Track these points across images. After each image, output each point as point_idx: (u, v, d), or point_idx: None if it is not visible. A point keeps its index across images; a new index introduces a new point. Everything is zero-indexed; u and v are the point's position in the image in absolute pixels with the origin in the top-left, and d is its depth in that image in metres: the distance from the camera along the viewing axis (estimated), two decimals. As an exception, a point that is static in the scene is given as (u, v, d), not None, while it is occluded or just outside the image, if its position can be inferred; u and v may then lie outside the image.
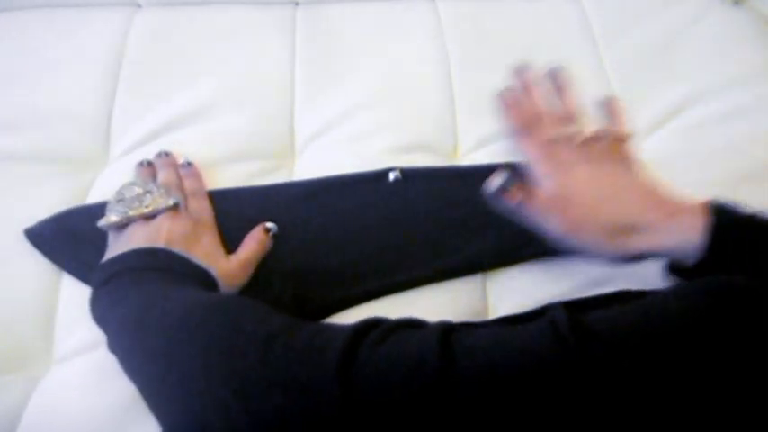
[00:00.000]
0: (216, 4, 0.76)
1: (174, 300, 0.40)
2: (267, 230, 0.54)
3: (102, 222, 0.52)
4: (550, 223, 0.45)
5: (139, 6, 0.76)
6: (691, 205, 0.42)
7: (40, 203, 0.58)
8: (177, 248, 0.48)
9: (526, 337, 0.32)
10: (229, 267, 0.50)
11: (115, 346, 0.43)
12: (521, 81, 0.52)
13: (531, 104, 0.50)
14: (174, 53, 0.71)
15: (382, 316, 0.36)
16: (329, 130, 0.65)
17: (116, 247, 0.50)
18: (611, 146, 0.48)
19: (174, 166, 0.59)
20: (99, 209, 0.57)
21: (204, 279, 0.47)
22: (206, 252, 0.50)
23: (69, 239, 0.55)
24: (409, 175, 0.60)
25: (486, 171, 0.62)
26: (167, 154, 0.60)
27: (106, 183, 0.61)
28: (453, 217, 0.57)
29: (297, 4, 0.77)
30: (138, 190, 0.53)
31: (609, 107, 0.51)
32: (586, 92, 0.69)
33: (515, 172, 0.47)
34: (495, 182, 0.46)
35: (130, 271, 0.45)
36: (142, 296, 0.42)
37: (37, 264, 0.55)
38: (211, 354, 0.34)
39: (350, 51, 0.72)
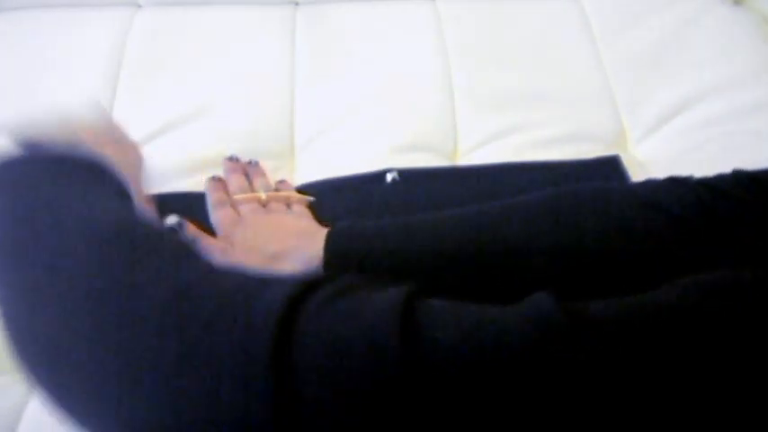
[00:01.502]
0: (216, 4, 0.76)
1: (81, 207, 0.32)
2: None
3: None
4: (212, 252, 0.51)
5: (139, 6, 0.76)
6: (319, 235, 0.49)
7: (40, 203, 0.58)
8: None
9: (508, 321, 0.27)
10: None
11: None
12: (226, 167, 0.60)
13: (225, 186, 0.59)
14: (174, 53, 0.71)
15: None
16: (329, 129, 0.65)
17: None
18: (282, 204, 0.57)
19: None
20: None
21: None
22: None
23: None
24: (407, 176, 0.60)
25: (486, 171, 0.62)
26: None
27: (106, 183, 0.61)
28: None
29: (297, 4, 0.77)
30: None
31: (279, 184, 0.60)
32: (586, 92, 0.70)
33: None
34: (171, 220, 0.53)
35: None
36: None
37: (37, 264, 0.55)
38: (100, 321, 0.27)
39: (350, 51, 0.72)
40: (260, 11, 0.76)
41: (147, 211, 0.45)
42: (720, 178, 0.46)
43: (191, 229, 0.53)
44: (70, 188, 0.35)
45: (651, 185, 0.48)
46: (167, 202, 0.58)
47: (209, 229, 0.56)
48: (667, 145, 0.65)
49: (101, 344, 0.26)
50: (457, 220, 0.48)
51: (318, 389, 0.24)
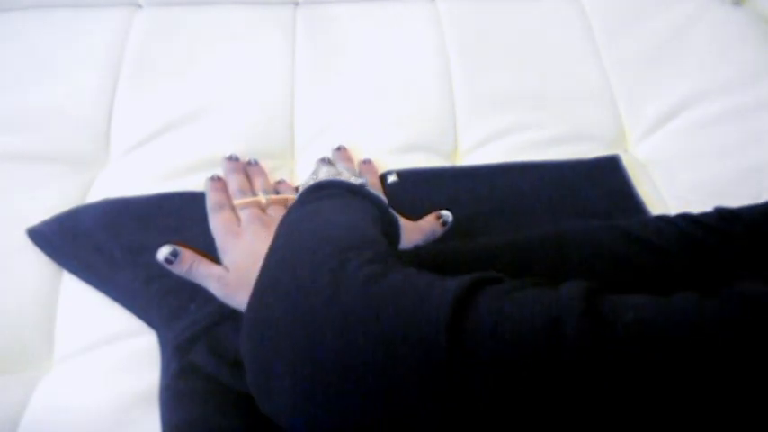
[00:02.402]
0: (216, 4, 0.76)
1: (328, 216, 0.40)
2: (439, 217, 0.56)
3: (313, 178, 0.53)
4: (214, 290, 0.49)
5: (139, 6, 0.76)
6: None
7: (40, 203, 0.58)
8: None
9: (687, 303, 0.28)
10: (408, 226, 0.53)
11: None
12: (226, 167, 0.59)
13: (224, 187, 0.57)
14: (174, 53, 0.71)
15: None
16: (329, 129, 0.65)
17: None
18: (282, 206, 0.56)
19: (352, 160, 0.62)
20: (101, 209, 0.57)
21: (393, 221, 0.49)
22: None
23: (71, 239, 0.56)
24: (407, 177, 0.60)
25: (486, 171, 0.62)
26: (345, 148, 0.62)
27: (106, 183, 0.61)
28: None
29: (297, 4, 0.77)
30: (331, 170, 0.55)
31: (279, 185, 0.59)
32: (586, 92, 0.70)
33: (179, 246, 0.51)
34: (161, 253, 0.50)
35: (341, 188, 0.47)
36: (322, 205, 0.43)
37: (37, 264, 0.55)
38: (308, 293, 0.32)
39: (350, 51, 0.72)
40: (260, 11, 0.76)
41: None
42: (704, 214, 0.46)
43: (186, 257, 0.50)
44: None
45: (638, 222, 0.48)
46: (168, 202, 0.58)
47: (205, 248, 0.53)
48: (667, 145, 0.65)
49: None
50: (450, 254, 0.48)
51: (492, 353, 0.27)
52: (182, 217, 0.57)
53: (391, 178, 0.60)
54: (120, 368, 0.49)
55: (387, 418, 0.29)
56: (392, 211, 0.50)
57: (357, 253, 0.35)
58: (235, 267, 0.49)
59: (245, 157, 0.62)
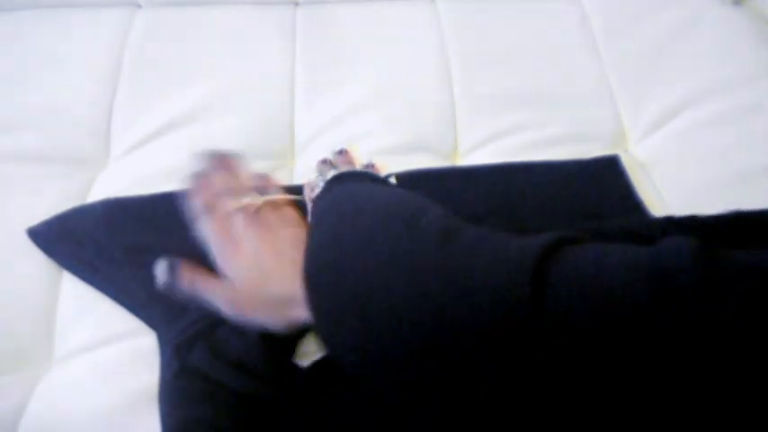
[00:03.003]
0: (216, 4, 0.76)
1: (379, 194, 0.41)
2: None
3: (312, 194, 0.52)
4: (218, 303, 0.45)
5: (139, 6, 0.77)
6: None
7: (40, 203, 0.58)
8: None
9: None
10: None
11: (328, 220, 0.42)
12: (207, 164, 0.52)
13: (211, 185, 0.50)
14: (174, 53, 0.71)
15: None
16: (329, 130, 0.65)
17: None
18: (280, 211, 0.50)
19: (353, 164, 0.58)
20: (101, 209, 0.57)
21: None
22: None
23: (71, 239, 0.56)
24: (406, 179, 0.60)
25: (486, 171, 0.62)
26: (346, 151, 0.59)
27: (106, 183, 0.61)
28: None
29: (297, 4, 0.77)
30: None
31: (262, 181, 0.52)
32: (586, 92, 0.70)
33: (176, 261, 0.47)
34: (161, 269, 0.46)
35: (360, 176, 0.48)
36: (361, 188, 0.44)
37: (37, 264, 0.55)
38: (395, 255, 0.32)
39: (350, 51, 0.72)
40: (260, 11, 0.76)
41: None
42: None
43: (187, 276, 0.45)
44: None
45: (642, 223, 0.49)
46: (168, 202, 0.58)
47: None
48: (667, 145, 0.65)
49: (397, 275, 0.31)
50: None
51: (578, 303, 0.27)
52: (182, 215, 0.57)
53: (391, 180, 0.60)
54: (120, 368, 0.49)
55: (453, 368, 0.29)
56: None
57: (424, 212, 0.35)
58: (242, 284, 0.45)
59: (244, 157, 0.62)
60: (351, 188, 0.44)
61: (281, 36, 0.73)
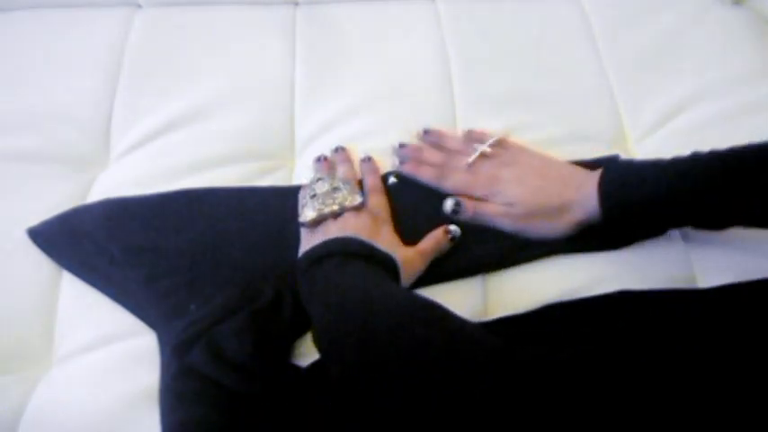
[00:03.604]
0: (216, 4, 0.76)
1: (386, 293, 0.46)
2: (447, 232, 0.56)
3: (301, 219, 0.55)
4: (504, 225, 0.56)
5: (139, 6, 0.77)
6: (592, 177, 0.53)
7: (40, 203, 0.58)
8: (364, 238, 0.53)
9: None
10: (408, 255, 0.53)
11: (327, 320, 0.46)
12: (407, 154, 0.62)
13: (428, 156, 0.61)
14: (174, 53, 0.71)
15: None
16: (329, 130, 0.65)
17: (312, 239, 0.53)
18: (506, 147, 0.60)
19: (351, 161, 0.62)
20: (101, 209, 0.57)
21: (390, 265, 0.51)
22: (387, 242, 0.53)
23: (71, 239, 0.56)
24: (407, 178, 0.60)
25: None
26: (344, 149, 0.62)
27: (106, 183, 0.61)
28: (453, 219, 0.57)
29: (297, 4, 0.77)
30: (327, 186, 0.56)
31: (468, 135, 0.63)
32: (586, 92, 0.70)
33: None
34: (448, 205, 0.57)
35: (337, 255, 0.50)
36: (356, 279, 0.47)
37: (37, 264, 0.55)
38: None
39: (350, 51, 0.72)
40: (260, 11, 0.76)
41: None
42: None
43: (470, 206, 0.56)
44: (372, 272, 0.49)
45: None
46: (168, 202, 0.58)
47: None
48: (667, 145, 0.65)
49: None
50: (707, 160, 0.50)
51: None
52: (182, 217, 0.57)
53: (392, 179, 0.60)
54: (121, 368, 0.49)
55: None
56: (384, 251, 0.51)
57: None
58: (517, 203, 0.55)
59: (242, 156, 0.62)
60: (333, 283, 0.48)
61: (281, 36, 0.73)
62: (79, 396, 0.48)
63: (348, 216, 0.55)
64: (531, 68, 0.71)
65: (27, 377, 0.50)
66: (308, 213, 0.55)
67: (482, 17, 0.76)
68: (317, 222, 0.55)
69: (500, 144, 0.60)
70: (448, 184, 0.59)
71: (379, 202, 0.58)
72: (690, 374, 0.31)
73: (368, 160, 0.61)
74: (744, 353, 0.31)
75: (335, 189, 0.56)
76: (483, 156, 0.59)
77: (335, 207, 0.55)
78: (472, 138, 0.61)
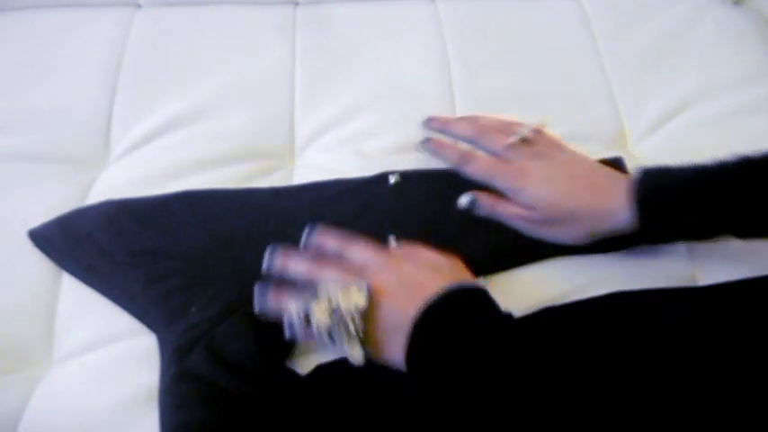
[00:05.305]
0: (216, 4, 0.76)
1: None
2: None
3: (354, 362, 0.43)
4: (521, 227, 0.54)
5: (139, 6, 0.77)
6: (621, 184, 0.49)
7: (40, 203, 0.58)
8: None
9: None
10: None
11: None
12: (436, 126, 0.60)
13: (458, 128, 0.58)
14: (174, 53, 0.71)
15: None
16: (329, 130, 0.66)
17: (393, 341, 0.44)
18: (540, 140, 0.56)
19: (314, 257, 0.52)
20: (102, 210, 0.57)
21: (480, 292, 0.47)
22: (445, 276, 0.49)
23: (72, 241, 0.56)
24: (409, 178, 0.60)
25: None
26: (282, 250, 0.51)
27: (106, 183, 0.61)
28: (454, 219, 0.57)
29: (297, 4, 0.77)
30: (325, 319, 0.43)
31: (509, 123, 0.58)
32: (586, 92, 0.70)
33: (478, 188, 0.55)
34: (463, 200, 0.55)
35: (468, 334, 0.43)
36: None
37: (37, 264, 0.55)
38: None
39: (350, 51, 0.72)
40: (260, 11, 0.76)
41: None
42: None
43: (487, 203, 0.54)
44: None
45: None
46: (168, 203, 0.58)
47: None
48: (667, 145, 0.65)
49: None
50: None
51: None
52: (182, 219, 0.57)
53: (392, 179, 0.60)
54: (120, 368, 0.49)
55: None
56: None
57: None
58: (538, 205, 0.51)
59: (242, 156, 0.62)
60: None
61: (281, 36, 0.73)
62: (79, 396, 0.48)
63: (380, 307, 0.43)
64: (531, 68, 0.71)
65: (27, 377, 0.50)
66: (354, 354, 0.43)
67: (482, 17, 0.76)
68: (361, 342, 0.43)
69: (538, 132, 0.56)
70: (470, 168, 0.54)
71: (383, 270, 0.47)
72: (690, 374, 0.31)
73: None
74: (743, 352, 0.31)
75: (334, 312, 0.43)
76: (522, 142, 0.54)
77: (352, 330, 0.42)
78: (510, 123, 0.57)
